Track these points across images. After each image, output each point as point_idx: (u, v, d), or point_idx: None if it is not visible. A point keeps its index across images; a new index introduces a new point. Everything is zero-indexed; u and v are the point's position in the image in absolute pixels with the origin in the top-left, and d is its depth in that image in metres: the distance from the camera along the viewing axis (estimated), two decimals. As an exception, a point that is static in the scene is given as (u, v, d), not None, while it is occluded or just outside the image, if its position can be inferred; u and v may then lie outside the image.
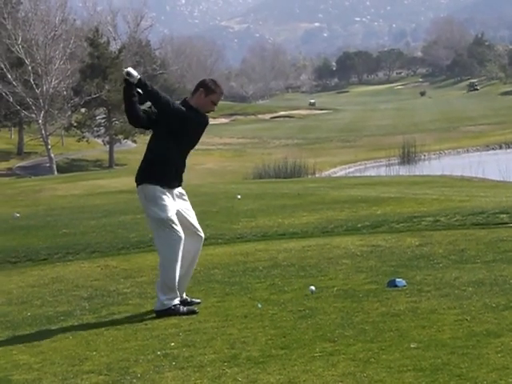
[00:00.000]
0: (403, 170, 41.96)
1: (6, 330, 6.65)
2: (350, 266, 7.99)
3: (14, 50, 57.61)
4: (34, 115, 58.40)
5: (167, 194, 6.51)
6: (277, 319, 5.99)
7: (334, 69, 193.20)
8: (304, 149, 62.15)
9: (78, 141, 64.21)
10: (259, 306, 6.47)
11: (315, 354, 4.95)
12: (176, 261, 6.46)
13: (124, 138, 63.57)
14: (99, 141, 67.73)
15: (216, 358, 5.12)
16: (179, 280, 6.55)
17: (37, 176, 50.86)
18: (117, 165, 61.19)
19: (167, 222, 6.43)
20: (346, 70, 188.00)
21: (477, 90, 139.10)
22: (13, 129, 72.62)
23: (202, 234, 6.81)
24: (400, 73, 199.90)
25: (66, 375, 5.14)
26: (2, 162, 63.55)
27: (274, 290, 7.07)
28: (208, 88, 6.59)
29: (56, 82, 58.06)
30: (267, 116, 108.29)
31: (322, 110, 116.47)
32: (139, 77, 6.42)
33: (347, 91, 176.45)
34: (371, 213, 13.30)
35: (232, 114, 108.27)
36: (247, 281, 7.66)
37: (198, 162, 44.70)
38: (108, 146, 64.07)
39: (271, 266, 8.35)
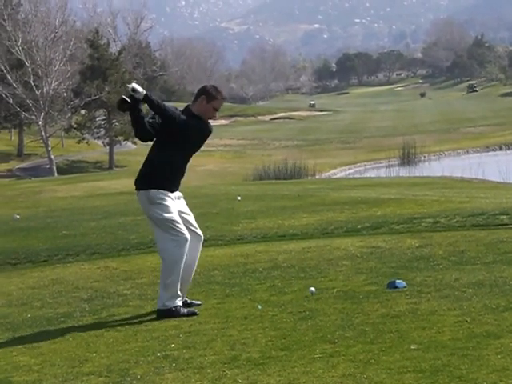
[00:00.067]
0: (403, 172, 41.97)
1: (6, 332, 6.64)
2: (350, 267, 7.99)
3: (14, 51, 57.61)
4: (34, 117, 58.39)
5: (169, 195, 6.58)
6: (277, 320, 5.99)
7: (334, 70, 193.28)
8: (304, 150, 62.15)
9: (78, 142, 64.21)
10: (259, 307, 6.47)
11: (315, 356, 4.95)
12: (181, 262, 6.50)
13: (124, 140, 63.53)
14: (99, 142, 67.73)
15: (216, 359, 5.12)
16: (181, 282, 6.57)
17: (37, 177, 50.86)
18: (117, 166, 61.17)
19: (172, 222, 6.48)
20: (346, 71, 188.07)
21: (476, 91, 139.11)
22: (13, 130, 72.61)
23: (202, 234, 6.83)
24: (400, 74, 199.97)
25: (66, 377, 5.14)
26: (2, 164, 63.54)
27: (274, 292, 7.08)
28: (209, 94, 6.62)
29: (56, 83, 58.05)
30: (267, 117, 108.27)
31: (321, 111, 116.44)
32: (145, 92, 6.41)
33: (347, 92, 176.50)
34: (371, 214, 13.29)
35: (232, 116, 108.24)
36: (247, 282, 7.66)
37: (199, 163, 44.67)
38: (108, 147, 64.07)
39: (271, 268, 8.35)
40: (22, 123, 64.58)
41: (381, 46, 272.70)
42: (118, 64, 64.97)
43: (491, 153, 53.97)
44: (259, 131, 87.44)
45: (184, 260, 6.51)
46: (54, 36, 59.43)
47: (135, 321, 6.54)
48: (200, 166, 46.09)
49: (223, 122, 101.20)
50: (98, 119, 65.37)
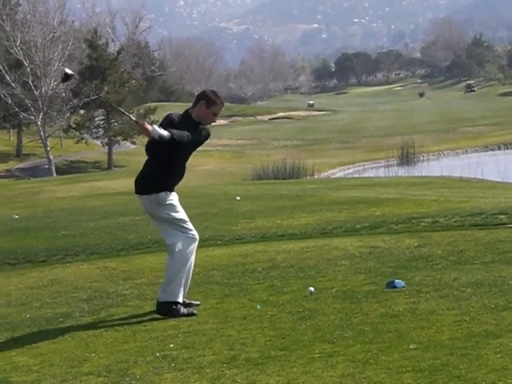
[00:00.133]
0: (402, 171, 41.95)
1: (5, 332, 6.64)
2: (348, 267, 8.00)
3: (12, 51, 57.56)
4: (32, 117, 58.35)
5: (174, 195, 6.67)
6: (276, 320, 5.99)
7: (333, 70, 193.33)
8: (303, 150, 62.15)
9: (77, 142, 64.18)
10: (258, 307, 6.47)
11: (314, 355, 4.95)
12: (191, 258, 6.62)
13: (123, 140, 63.52)
14: (98, 142, 67.70)
15: (215, 359, 5.13)
16: None
17: (36, 178, 50.83)
18: (116, 166, 61.15)
19: (183, 221, 6.62)
20: (345, 71, 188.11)
21: (474, 91, 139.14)
22: (11, 130, 72.58)
23: (197, 235, 6.86)
24: (399, 74, 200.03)
25: (65, 377, 5.14)
26: (1, 164, 63.49)
27: (273, 292, 7.08)
28: (209, 99, 6.64)
29: (55, 83, 57.98)
30: (266, 117, 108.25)
31: (320, 111, 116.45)
32: (170, 134, 6.34)
33: (346, 92, 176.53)
34: (370, 214, 13.30)
35: (231, 116, 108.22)
36: (246, 282, 7.66)
37: (198, 163, 44.66)
38: (107, 147, 64.05)
39: (270, 268, 8.36)
40: (21, 123, 64.54)
41: (379, 46, 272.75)
42: (117, 64, 64.94)
43: (490, 152, 53.96)
44: (258, 131, 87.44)
45: (194, 257, 6.63)
46: (53, 36, 59.39)
47: (134, 321, 6.54)
48: (199, 165, 46.09)
49: (222, 121, 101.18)
50: (96, 119, 65.34)
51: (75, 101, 60.20)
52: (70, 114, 62.44)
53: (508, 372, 4.29)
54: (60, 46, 59.32)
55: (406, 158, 50.55)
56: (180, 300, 6.56)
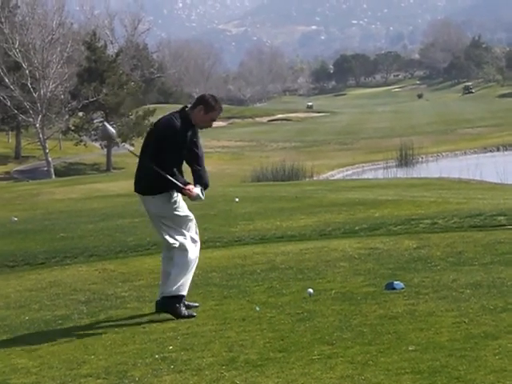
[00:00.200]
0: (401, 173, 41.94)
1: (4, 334, 6.64)
2: (347, 268, 7.99)
3: (11, 54, 57.55)
4: (31, 119, 58.34)
5: (178, 194, 6.71)
6: (275, 322, 5.99)
7: (332, 72, 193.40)
8: (302, 152, 62.19)
9: (76, 144, 64.17)
10: (257, 309, 6.47)
11: (313, 357, 4.95)
12: (197, 254, 6.74)
13: (122, 142, 63.54)
14: (97, 144, 67.65)
15: (214, 361, 5.12)
16: None
17: (34, 180, 50.81)
18: (114, 168, 61.15)
19: (189, 217, 6.76)
20: (344, 72, 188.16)
21: (472, 92, 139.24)
22: (10, 133, 72.56)
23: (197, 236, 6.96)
24: (397, 75, 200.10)
25: (64, 379, 5.14)
26: (0, 166, 63.49)
27: (272, 293, 7.08)
28: (208, 105, 6.69)
29: (53, 85, 58.02)
30: (265, 119, 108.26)
31: (319, 112, 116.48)
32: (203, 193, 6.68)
33: (345, 94, 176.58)
34: (369, 215, 13.30)
35: (230, 117, 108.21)
36: (245, 284, 7.66)
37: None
38: (105, 149, 64.06)
39: (269, 269, 8.35)
40: (20, 125, 64.52)
41: (378, 48, 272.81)
42: (116, 66, 64.93)
43: (489, 154, 53.99)
44: (257, 133, 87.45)
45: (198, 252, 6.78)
46: (52, 38, 59.38)
47: (133, 323, 6.54)
48: (198, 167, 45.93)
49: (221, 123, 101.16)
50: (95, 121, 65.34)
51: (74, 103, 60.20)
52: (69, 116, 62.44)
53: (507, 373, 4.29)
54: (58, 48, 59.31)
55: (405, 160, 50.54)
56: (185, 293, 6.59)
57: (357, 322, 5.73)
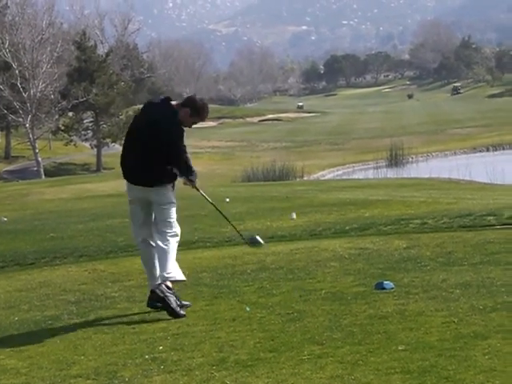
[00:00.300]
0: (391, 173, 42.01)
1: (-7, 335, 6.62)
2: (338, 268, 8.00)
3: (0, 53, 57.38)
4: (21, 119, 58.19)
5: None
6: (265, 322, 5.99)
7: (322, 72, 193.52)
8: (292, 152, 62.20)
9: (66, 144, 64.02)
10: (247, 309, 6.47)
11: (303, 357, 4.95)
12: None
13: (112, 142, 63.38)
14: (87, 144, 67.54)
15: (204, 361, 5.12)
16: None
17: (24, 180, 50.67)
18: (104, 168, 61.02)
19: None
20: (334, 73, 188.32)
21: (460, 93, 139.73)
22: (0, 133, 72.35)
23: None
24: (387, 76, 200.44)
25: (53, 379, 5.13)
26: (-10, 166, 63.28)
27: (263, 293, 7.08)
28: (195, 111, 6.93)
29: (43, 85, 57.86)
30: (255, 119, 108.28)
31: (310, 113, 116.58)
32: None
33: (335, 94, 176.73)
34: (359, 215, 13.32)
35: (220, 117, 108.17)
36: (235, 284, 7.66)
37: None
38: (96, 149, 63.93)
39: (259, 269, 8.36)
40: (9, 125, 64.32)
41: (368, 48, 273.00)
42: (106, 66, 64.81)
43: (478, 154, 54.15)
44: (247, 133, 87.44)
45: None
46: (41, 38, 59.23)
47: (123, 323, 6.53)
48: (188, 167, 45.91)
49: (211, 123, 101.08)
50: (85, 121, 65.20)
51: (64, 103, 60.05)
52: (59, 116, 62.28)
53: (496, 373, 4.30)
54: (48, 48, 59.17)
55: (395, 160, 50.66)
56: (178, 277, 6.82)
57: (347, 321, 5.74)
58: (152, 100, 7.31)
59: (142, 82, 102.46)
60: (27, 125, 57.16)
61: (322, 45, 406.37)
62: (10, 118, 59.54)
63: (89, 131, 65.03)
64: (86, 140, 65.80)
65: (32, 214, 19.84)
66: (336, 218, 13.26)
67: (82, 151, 69.14)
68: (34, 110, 57.16)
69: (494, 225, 10.30)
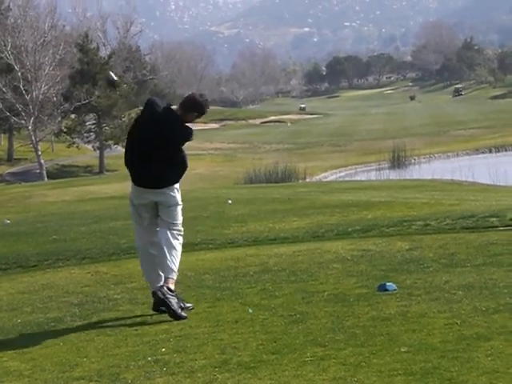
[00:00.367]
0: (393, 174, 42.02)
1: (-4, 337, 6.62)
2: (340, 270, 8.00)
3: (3, 56, 57.47)
4: (23, 121, 58.26)
5: None
6: (268, 324, 5.99)
7: (324, 73, 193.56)
8: (294, 153, 62.22)
9: (68, 147, 64.09)
10: (250, 311, 6.47)
11: (306, 359, 4.95)
12: None
13: (114, 144, 63.47)
14: (89, 146, 67.61)
15: (207, 363, 5.12)
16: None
17: (27, 182, 50.74)
18: (107, 170, 61.09)
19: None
20: (336, 74, 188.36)
21: (461, 95, 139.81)
22: (2, 135, 72.45)
23: None
24: (390, 77, 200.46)
25: (56, 382, 5.13)
26: (-8, 169, 63.37)
27: (265, 295, 7.07)
28: (182, 105, 6.98)
29: (46, 88, 57.93)
30: (258, 121, 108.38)
31: (312, 114, 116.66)
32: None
33: (337, 96, 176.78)
34: (362, 217, 13.32)
35: (222, 119, 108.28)
36: (238, 286, 7.66)
37: (189, 167, 44.44)
38: (98, 151, 63.98)
39: (262, 271, 8.35)
40: (12, 128, 64.41)
41: (371, 50, 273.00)
42: (108, 68, 64.82)
43: (481, 155, 54.15)
44: (250, 135, 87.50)
45: None
46: (44, 40, 59.29)
47: (126, 325, 6.53)
48: (190, 169, 45.68)
49: (214, 125, 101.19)
50: (87, 123, 65.28)
51: (66, 105, 60.11)
52: (61, 118, 62.36)
53: (499, 375, 4.30)
54: (51, 51, 59.23)
55: (398, 161, 50.67)
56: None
57: (349, 323, 5.74)
58: (154, 99, 7.21)
59: (145, 84, 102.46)
60: (30, 127, 57.23)
61: (325, 46, 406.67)
62: (12, 121, 59.62)
63: (91, 133, 65.11)
64: (89, 142, 65.87)
65: (35, 216, 19.85)
66: (338, 219, 13.26)
67: (85, 153, 69.21)
68: (36, 113, 57.23)
69: (497, 226, 10.30)
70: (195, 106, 6.94)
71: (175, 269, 6.78)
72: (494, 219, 10.80)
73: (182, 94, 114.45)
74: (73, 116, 64.35)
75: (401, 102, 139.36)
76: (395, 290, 6.69)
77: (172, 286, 6.68)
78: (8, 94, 56.12)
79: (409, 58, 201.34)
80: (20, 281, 9.60)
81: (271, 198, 19.28)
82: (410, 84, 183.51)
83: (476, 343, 4.90)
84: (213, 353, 5.34)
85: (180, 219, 7.00)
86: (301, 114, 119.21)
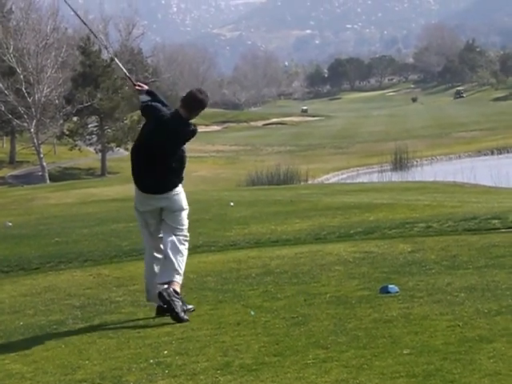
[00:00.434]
0: (395, 177, 42.03)
1: (-2, 340, 6.63)
2: (342, 272, 8.00)
3: (5, 58, 57.52)
4: (26, 124, 58.31)
5: None
6: (270, 326, 5.99)
7: (326, 76, 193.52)
8: (297, 155, 62.27)
9: (71, 149, 64.12)
10: (252, 313, 6.47)
11: (308, 361, 4.95)
12: None
13: (116, 146, 63.51)
14: (91, 149, 67.63)
15: (209, 365, 5.12)
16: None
17: (29, 185, 50.79)
18: (109, 173, 61.11)
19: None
20: (338, 76, 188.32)
21: (462, 97, 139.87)
22: (5, 138, 72.48)
23: None
24: (392, 79, 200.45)
25: (58, 384, 5.13)
26: (-5, 171, 63.39)
27: (267, 297, 7.07)
28: (182, 101, 7.09)
29: (48, 90, 57.98)
30: (260, 123, 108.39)
31: (314, 116, 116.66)
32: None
33: (339, 98, 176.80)
34: (364, 219, 13.32)
35: (224, 122, 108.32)
36: (240, 288, 7.65)
37: (191, 169, 44.55)
38: (100, 154, 64.01)
39: (264, 273, 8.35)
40: (14, 130, 64.45)
41: (372, 52, 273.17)
42: (110, 71, 64.90)
43: (483, 157, 54.16)
44: (252, 137, 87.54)
45: None
46: (46, 43, 59.34)
47: (128, 328, 6.53)
48: (193, 172, 46.10)
49: (216, 127, 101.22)
50: (90, 126, 65.29)
51: (68, 108, 60.13)
52: (64, 120, 62.39)
53: (501, 377, 4.29)
54: (53, 53, 59.28)
55: (400, 163, 50.71)
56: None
57: (351, 325, 5.73)
58: (155, 104, 7.17)
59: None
60: (32, 130, 57.28)
61: (326, 49, 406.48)
62: (14, 123, 59.66)
63: (93, 136, 65.13)
64: (91, 145, 65.89)
65: (37, 219, 19.87)
66: (340, 221, 13.26)
67: (87, 156, 69.25)
68: (38, 115, 57.27)
69: (499, 228, 10.29)
70: (201, 103, 6.97)
71: (181, 272, 6.76)
72: (496, 221, 10.80)
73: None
74: (75, 118, 64.37)
75: (403, 104, 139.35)
76: (397, 292, 6.69)
77: (178, 289, 6.67)
78: (10, 96, 56.18)
79: (411, 60, 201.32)
80: (22, 283, 9.61)
81: (273, 200, 19.29)
82: (412, 86, 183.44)
83: (478, 345, 4.90)
84: (215, 355, 5.34)
85: (186, 224, 6.94)
86: (303, 116, 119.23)
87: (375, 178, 42.88)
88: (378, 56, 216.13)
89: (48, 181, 55.21)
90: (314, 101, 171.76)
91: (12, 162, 67.67)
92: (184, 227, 6.92)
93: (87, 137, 64.81)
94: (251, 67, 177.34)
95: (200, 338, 5.86)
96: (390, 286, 6.80)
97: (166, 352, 5.57)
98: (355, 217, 13.85)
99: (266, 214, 15.54)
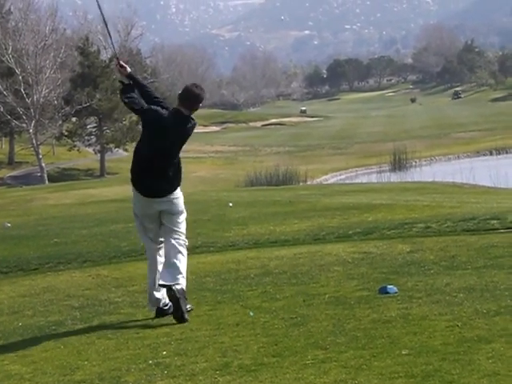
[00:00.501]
0: (394, 177, 42.04)
1: (-3, 341, 6.63)
2: (341, 273, 8.00)
3: (4, 59, 57.49)
4: (24, 125, 58.28)
5: None
6: (269, 327, 5.99)
7: (325, 76, 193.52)
8: (295, 156, 62.27)
9: (69, 150, 64.09)
10: (251, 313, 6.47)
11: (307, 362, 4.95)
12: None
13: (115, 147, 63.49)
14: (90, 150, 67.59)
15: (208, 366, 5.12)
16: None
17: (28, 185, 50.74)
18: (108, 173, 61.09)
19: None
20: (337, 77, 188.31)
21: (460, 97, 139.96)
22: (3, 138, 72.46)
23: None
24: (390, 80, 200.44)
25: (57, 385, 5.13)
26: (-7, 172, 63.36)
27: (266, 298, 7.07)
28: (179, 97, 7.06)
29: (47, 91, 57.96)
30: (258, 124, 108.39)
31: (313, 117, 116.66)
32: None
33: (338, 98, 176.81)
34: (362, 220, 13.32)
35: (223, 122, 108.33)
36: (239, 289, 7.66)
37: (190, 170, 44.65)
38: (99, 154, 63.99)
39: (263, 274, 8.35)
40: (13, 131, 64.42)
41: (371, 52, 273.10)
42: (109, 71, 64.83)
43: (482, 158, 54.16)
44: (251, 137, 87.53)
45: None
46: (45, 44, 59.31)
47: (127, 328, 6.53)
48: (191, 172, 46.08)
49: (214, 128, 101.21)
50: (88, 127, 65.28)
51: (67, 108, 60.13)
52: (62, 121, 62.37)
53: (500, 377, 4.30)
54: (52, 54, 59.25)
55: (399, 164, 50.72)
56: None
57: (350, 326, 5.74)
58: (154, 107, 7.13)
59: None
60: (31, 130, 57.26)
61: (325, 49, 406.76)
62: (13, 124, 59.63)
63: (92, 136, 65.10)
64: (90, 145, 65.85)
65: (36, 220, 19.87)
66: (339, 222, 13.27)
67: (86, 156, 69.22)
68: (37, 116, 57.25)
69: (498, 228, 10.30)
70: (198, 98, 6.94)
71: (184, 274, 6.72)
72: (495, 221, 10.80)
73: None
74: (74, 119, 64.35)
75: (401, 104, 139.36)
76: (396, 292, 6.69)
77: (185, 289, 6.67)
78: (9, 97, 56.16)
79: (409, 61, 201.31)
80: (21, 284, 9.61)
81: (272, 201, 19.29)
82: (411, 86, 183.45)
83: (477, 346, 4.90)
84: (214, 356, 5.34)
85: (184, 228, 6.91)
86: (301, 116, 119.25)
87: (374, 178, 42.86)
88: (376, 56, 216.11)
89: (47, 181, 55.19)
90: (313, 101, 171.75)
91: (11, 162, 67.64)
92: (183, 231, 6.89)
93: (86, 137, 64.78)
94: (250, 68, 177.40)
95: (199, 339, 5.86)
96: (389, 286, 6.80)
97: (164, 353, 5.58)
98: (354, 217, 13.86)
99: (265, 215, 15.54)
